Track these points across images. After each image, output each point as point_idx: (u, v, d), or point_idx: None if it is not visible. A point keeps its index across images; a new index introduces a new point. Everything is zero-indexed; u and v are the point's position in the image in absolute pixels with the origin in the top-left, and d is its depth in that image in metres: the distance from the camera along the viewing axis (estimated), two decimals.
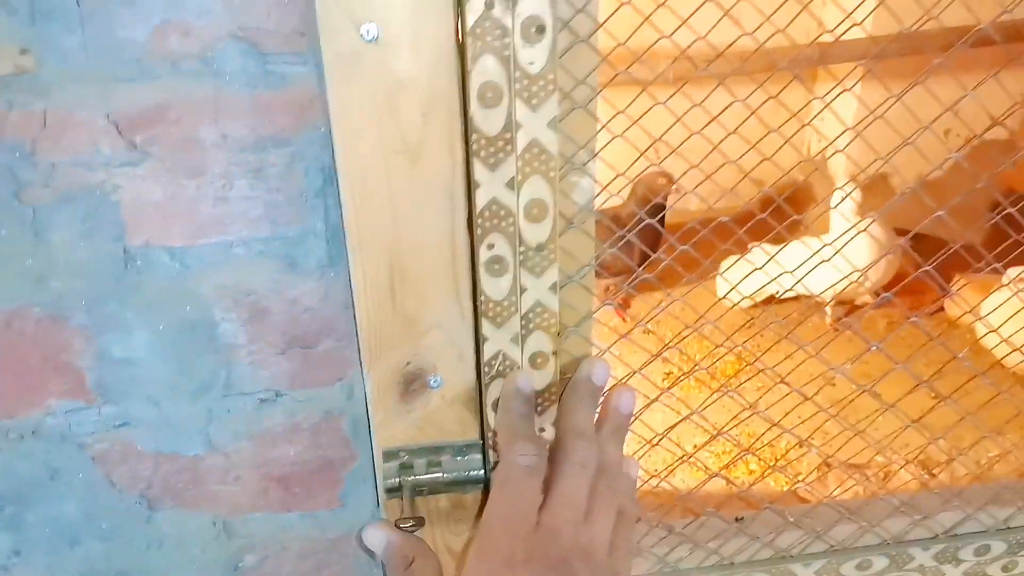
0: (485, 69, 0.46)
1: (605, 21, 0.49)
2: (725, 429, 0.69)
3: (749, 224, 0.62)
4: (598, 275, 2.08)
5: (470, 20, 0.45)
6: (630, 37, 0.54)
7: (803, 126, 0.57)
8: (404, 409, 0.57)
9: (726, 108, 0.54)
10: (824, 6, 2.04)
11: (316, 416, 0.59)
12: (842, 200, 1.89)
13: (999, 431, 0.78)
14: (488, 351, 0.55)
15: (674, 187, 1.89)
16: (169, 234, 0.51)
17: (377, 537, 0.60)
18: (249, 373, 0.56)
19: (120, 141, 0.48)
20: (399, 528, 0.56)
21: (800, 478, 1.48)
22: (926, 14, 0.52)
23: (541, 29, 0.45)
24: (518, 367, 0.56)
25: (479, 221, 0.50)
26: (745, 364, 1.71)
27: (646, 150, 0.57)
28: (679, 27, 0.49)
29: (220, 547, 0.62)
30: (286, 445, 0.59)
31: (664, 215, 1.97)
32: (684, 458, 0.71)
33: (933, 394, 0.69)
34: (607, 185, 0.56)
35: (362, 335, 0.54)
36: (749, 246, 1.74)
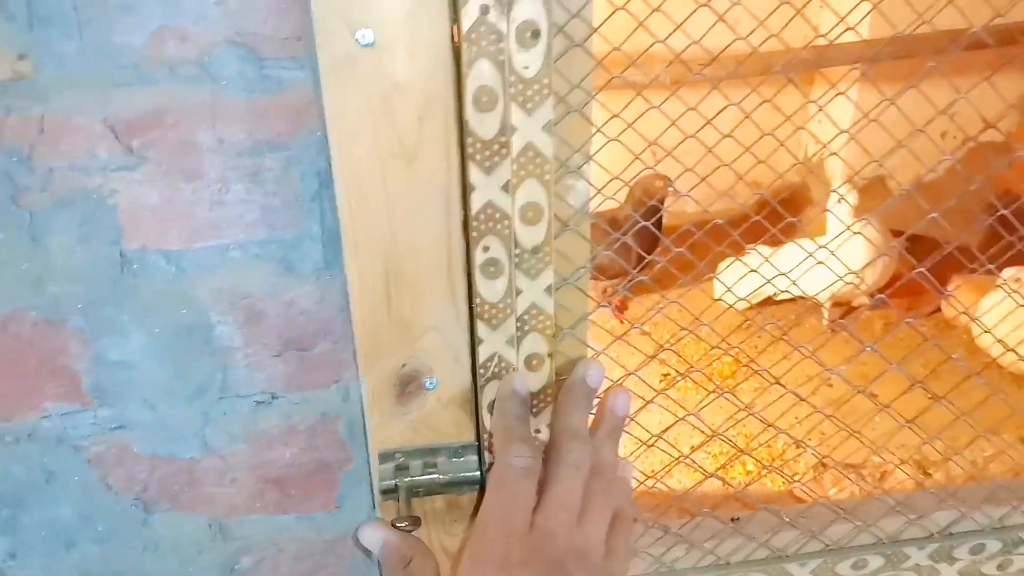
0: (480, 73, 0.46)
1: (600, 26, 0.49)
2: (721, 430, 0.69)
3: (744, 226, 0.63)
4: (595, 278, 2.08)
5: (465, 25, 0.45)
6: (624, 41, 0.54)
7: (797, 130, 0.57)
8: (400, 411, 0.58)
9: (720, 112, 0.55)
10: (821, 9, 2.04)
11: (312, 418, 0.59)
12: (836, 202, 1.90)
13: (994, 431, 0.79)
14: (484, 353, 0.55)
15: (671, 189, 1.90)
16: (166, 238, 0.52)
17: (374, 536, 0.60)
18: (245, 376, 0.56)
19: (117, 146, 0.48)
20: (396, 528, 0.56)
21: (796, 478, 1.48)
22: (920, 17, 0.52)
23: (536, 34, 0.45)
24: (514, 369, 0.56)
25: (475, 224, 0.50)
26: (741, 365, 1.71)
27: (641, 153, 0.57)
28: (673, 32, 0.50)
29: (216, 549, 0.63)
30: (282, 447, 0.60)
31: (661, 217, 1.97)
32: (679, 459, 0.71)
33: (929, 394, 0.69)
34: (602, 188, 0.56)
35: (358, 337, 0.55)
36: (747, 248, 1.74)
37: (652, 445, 0.68)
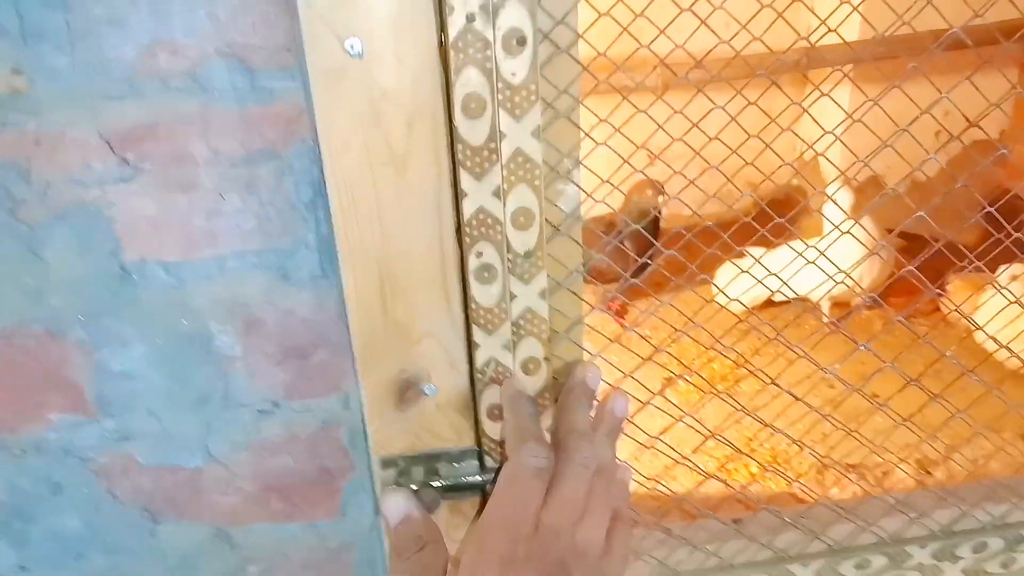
0: (468, 81, 0.47)
1: (585, 32, 0.50)
2: (721, 431, 0.69)
3: (734, 227, 0.63)
4: (591, 282, 2.08)
5: (452, 33, 0.46)
6: (609, 47, 0.55)
7: (783, 131, 0.58)
8: (400, 417, 0.58)
9: (706, 115, 0.55)
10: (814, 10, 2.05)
11: (314, 426, 0.59)
12: (826, 202, 1.90)
13: (993, 428, 0.79)
14: (480, 358, 0.55)
15: (661, 199, 1.90)
16: (163, 248, 0.52)
17: (398, 507, 0.56)
18: (246, 385, 0.57)
19: (112, 158, 0.49)
20: (421, 505, 0.55)
21: (797, 478, 1.48)
22: (899, 19, 0.53)
23: (522, 41, 0.46)
24: (511, 374, 0.56)
25: (467, 230, 0.51)
26: (738, 366, 1.71)
27: (630, 156, 0.58)
28: (656, 37, 0.50)
29: (223, 558, 0.63)
30: (285, 456, 0.60)
31: (658, 221, 1.97)
32: (679, 461, 0.71)
33: (927, 393, 0.69)
34: (594, 191, 0.56)
35: (356, 344, 0.55)
36: (745, 250, 1.74)
37: (651, 447, 0.68)
